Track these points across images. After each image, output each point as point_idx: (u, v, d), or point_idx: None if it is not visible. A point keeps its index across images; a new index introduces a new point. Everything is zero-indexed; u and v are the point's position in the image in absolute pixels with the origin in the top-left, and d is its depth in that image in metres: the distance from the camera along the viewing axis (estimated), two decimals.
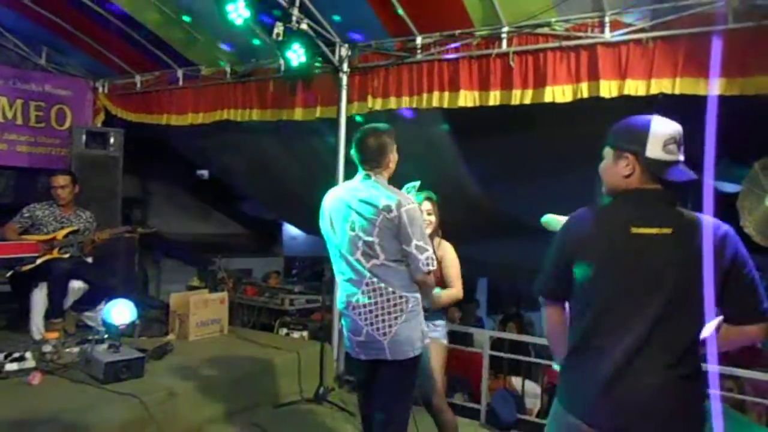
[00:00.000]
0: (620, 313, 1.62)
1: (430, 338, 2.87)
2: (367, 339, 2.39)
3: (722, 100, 3.08)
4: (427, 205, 2.96)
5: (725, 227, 1.63)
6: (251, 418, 3.54)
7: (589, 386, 1.64)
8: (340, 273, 2.49)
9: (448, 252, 2.98)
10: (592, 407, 1.63)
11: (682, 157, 1.67)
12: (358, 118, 4.57)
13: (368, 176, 2.46)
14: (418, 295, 2.41)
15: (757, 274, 1.60)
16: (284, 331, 5.20)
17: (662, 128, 1.66)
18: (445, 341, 2.98)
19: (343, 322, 2.54)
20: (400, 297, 2.35)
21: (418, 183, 2.93)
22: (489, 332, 4.42)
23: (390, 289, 2.35)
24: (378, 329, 2.36)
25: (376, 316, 2.36)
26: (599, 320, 1.66)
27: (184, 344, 4.25)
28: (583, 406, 1.65)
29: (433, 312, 2.90)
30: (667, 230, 1.60)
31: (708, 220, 1.63)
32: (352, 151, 2.51)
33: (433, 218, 2.97)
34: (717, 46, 3.07)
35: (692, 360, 1.61)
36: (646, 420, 1.57)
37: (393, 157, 2.50)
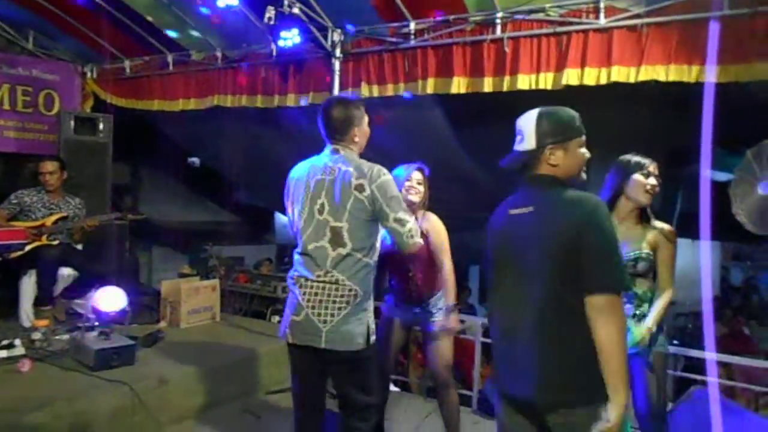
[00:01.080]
0: (505, 292, 1.80)
1: (437, 321, 2.92)
2: (305, 322, 2.26)
3: (716, 88, 3.08)
4: (418, 176, 2.93)
5: (584, 197, 1.70)
6: (243, 404, 3.54)
7: (497, 361, 1.84)
8: (299, 252, 2.33)
9: (435, 223, 2.93)
10: (501, 379, 1.80)
11: (515, 146, 1.84)
12: None
13: (336, 150, 2.31)
14: (370, 290, 2.31)
15: (606, 247, 1.63)
16: (276, 318, 5.18)
17: None
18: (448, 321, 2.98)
19: (287, 299, 2.40)
20: (350, 289, 2.23)
21: (415, 165, 2.92)
22: (481, 319, 4.43)
23: (343, 281, 2.23)
24: (319, 315, 2.23)
25: (320, 301, 2.23)
26: (494, 301, 1.85)
27: (176, 332, 4.23)
28: (498, 380, 1.82)
29: (430, 298, 2.94)
30: (529, 208, 1.76)
31: (574, 197, 1.72)
32: (320, 124, 2.35)
33: (422, 188, 2.93)
34: (714, 32, 3.05)
35: (566, 330, 1.65)
36: (533, 388, 1.67)
37: (362, 131, 2.36)
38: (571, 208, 1.68)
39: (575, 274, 1.62)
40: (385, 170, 2.27)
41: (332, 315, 2.22)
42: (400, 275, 2.96)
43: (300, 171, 2.38)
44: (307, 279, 2.27)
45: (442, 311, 2.93)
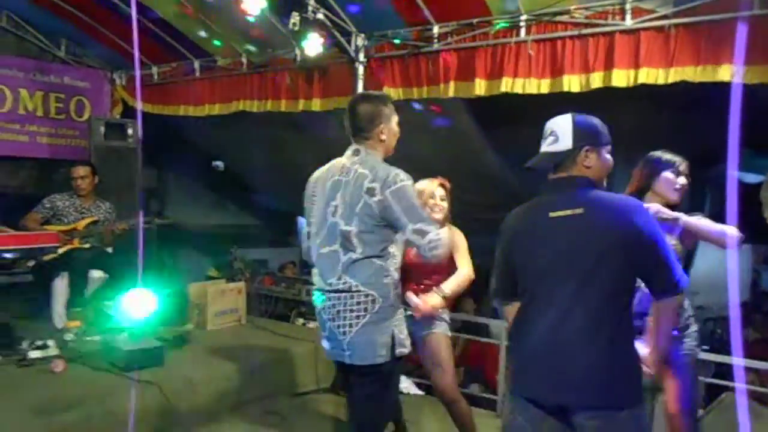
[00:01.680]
0: (548, 291, 1.75)
1: (433, 333, 2.81)
2: (329, 335, 2.20)
3: (744, 88, 3.02)
4: (441, 192, 2.87)
5: (633, 202, 1.75)
6: (268, 406, 3.57)
7: (528, 366, 1.78)
8: (315, 262, 2.28)
9: (460, 239, 2.88)
10: (525, 379, 1.77)
11: (545, 147, 1.84)
12: None
13: (357, 151, 2.21)
14: (391, 296, 2.17)
15: (667, 245, 1.70)
16: (301, 321, 5.23)
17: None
18: (449, 333, 2.90)
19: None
20: (366, 295, 2.11)
21: (437, 180, 2.86)
22: (505, 323, 4.40)
23: (357, 287, 2.12)
24: (339, 327, 2.15)
25: (338, 312, 2.14)
26: (531, 305, 1.79)
27: (203, 333, 4.29)
28: (527, 386, 1.77)
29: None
30: (579, 210, 1.72)
31: (620, 198, 1.76)
32: (345, 121, 2.28)
33: (445, 204, 2.87)
34: (742, 33, 3.00)
35: (616, 331, 1.68)
36: (579, 391, 1.66)
37: (389, 129, 2.24)
38: (626, 211, 1.69)
39: (630, 276, 1.68)
40: (404, 175, 2.14)
41: (350, 325, 2.13)
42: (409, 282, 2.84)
43: (320, 173, 2.33)
44: (323, 291, 2.22)
45: (440, 324, 2.84)
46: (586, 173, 1.78)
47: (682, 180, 2.44)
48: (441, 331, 2.85)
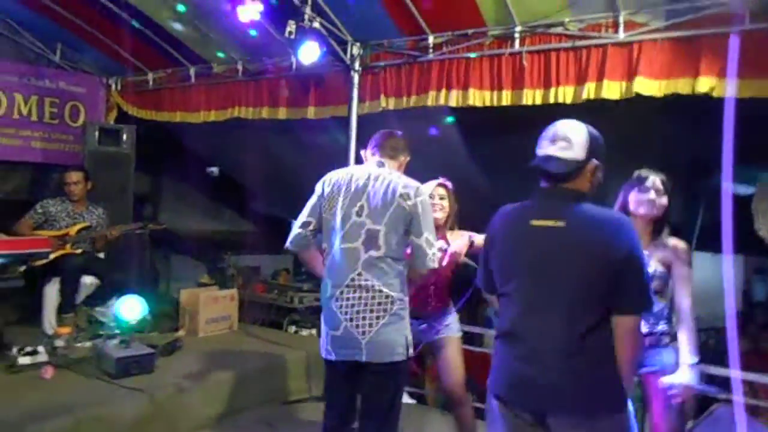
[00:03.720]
0: (525, 303, 1.75)
1: (446, 336, 2.89)
2: (344, 335, 2.26)
3: (736, 102, 3.05)
4: (440, 191, 2.93)
5: (618, 218, 1.74)
6: (260, 414, 3.56)
7: (504, 372, 1.79)
8: (331, 261, 2.35)
9: (463, 243, 2.92)
10: (503, 386, 1.78)
11: (553, 151, 1.76)
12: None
13: (382, 164, 2.42)
14: (406, 299, 2.32)
15: (643, 270, 1.70)
16: (293, 328, 5.21)
17: (547, 129, 1.82)
18: (460, 334, 2.97)
19: (322, 316, 2.41)
20: (387, 297, 2.24)
21: (436, 180, 2.93)
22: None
23: (377, 286, 2.24)
24: (358, 326, 2.23)
25: (358, 312, 2.23)
26: (510, 311, 1.80)
27: (194, 340, 4.28)
28: (502, 388, 1.79)
29: (434, 313, 2.90)
30: (560, 223, 1.71)
31: (607, 214, 1.74)
32: (374, 140, 2.51)
33: (445, 204, 2.93)
34: (734, 47, 3.03)
35: (592, 344, 1.67)
36: (554, 400, 1.67)
37: (405, 163, 2.54)
38: (609, 227, 1.68)
39: (604, 292, 1.66)
40: (426, 191, 2.42)
41: (370, 325, 2.22)
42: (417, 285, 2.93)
43: (339, 175, 2.43)
44: (341, 290, 2.27)
45: (450, 328, 2.91)
46: (586, 187, 1.77)
47: (650, 195, 2.41)
48: (453, 334, 2.92)
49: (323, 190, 2.43)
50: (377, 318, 2.22)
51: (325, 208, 2.39)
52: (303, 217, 2.45)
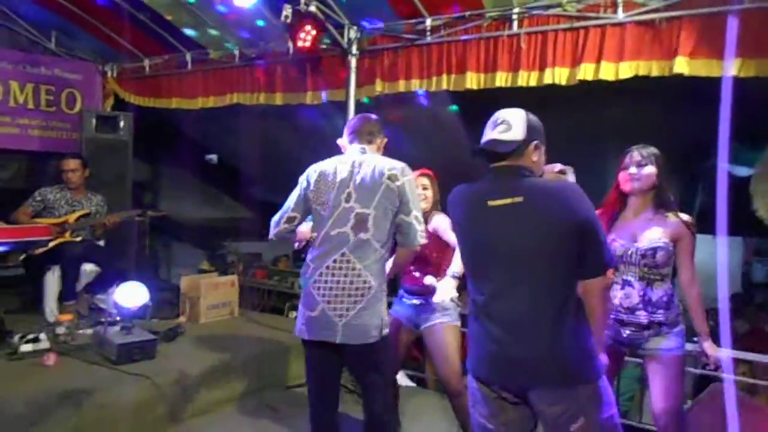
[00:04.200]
0: (494, 281, 1.82)
1: (439, 323, 2.88)
2: (321, 316, 2.29)
3: (735, 82, 3.03)
4: (424, 181, 2.95)
5: (570, 186, 1.79)
6: (262, 399, 3.59)
7: (478, 351, 1.86)
8: (318, 246, 2.37)
9: (444, 220, 2.91)
10: (489, 370, 1.83)
11: (495, 135, 1.86)
12: (366, 100, 4.54)
13: (364, 150, 2.46)
14: (384, 284, 2.36)
15: (602, 229, 1.79)
16: (294, 314, 5.23)
17: (491, 118, 1.91)
18: (457, 323, 2.93)
19: (301, 296, 2.43)
20: (365, 281, 2.28)
21: (418, 171, 2.91)
22: None
23: (357, 270, 2.28)
24: (335, 309, 2.27)
25: (336, 295, 2.28)
26: (478, 290, 1.86)
27: (195, 326, 4.30)
28: (482, 370, 1.85)
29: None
30: (518, 199, 1.77)
31: (560, 185, 1.81)
32: (347, 129, 2.55)
33: (429, 194, 2.96)
34: (732, 27, 3.01)
35: (563, 317, 1.73)
36: (533, 375, 1.74)
37: (383, 144, 2.57)
38: (564, 196, 1.74)
39: (571, 260, 1.73)
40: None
41: (347, 309, 2.27)
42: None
43: (325, 165, 2.45)
44: (321, 271, 2.31)
45: (446, 312, 2.88)
46: (530, 166, 1.84)
47: (631, 170, 2.45)
48: (448, 321, 2.89)
49: (308, 182, 2.45)
50: (354, 302, 2.27)
51: (314, 199, 2.41)
52: (288, 211, 2.46)
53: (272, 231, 2.52)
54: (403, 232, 2.35)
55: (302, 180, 2.48)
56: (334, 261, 2.30)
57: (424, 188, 2.95)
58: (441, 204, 3.00)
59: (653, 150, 2.47)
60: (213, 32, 5.08)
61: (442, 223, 2.89)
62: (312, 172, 2.46)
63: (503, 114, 1.89)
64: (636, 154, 2.46)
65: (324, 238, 2.36)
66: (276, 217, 2.50)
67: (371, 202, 2.30)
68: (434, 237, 2.87)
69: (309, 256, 2.41)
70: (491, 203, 1.81)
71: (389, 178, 2.31)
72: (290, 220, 2.47)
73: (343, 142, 2.58)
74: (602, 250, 1.76)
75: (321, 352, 2.37)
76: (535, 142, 1.85)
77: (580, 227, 1.71)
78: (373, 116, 2.60)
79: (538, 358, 1.72)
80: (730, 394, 1.70)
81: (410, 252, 2.44)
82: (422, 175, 2.97)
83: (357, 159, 2.41)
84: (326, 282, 2.30)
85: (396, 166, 2.36)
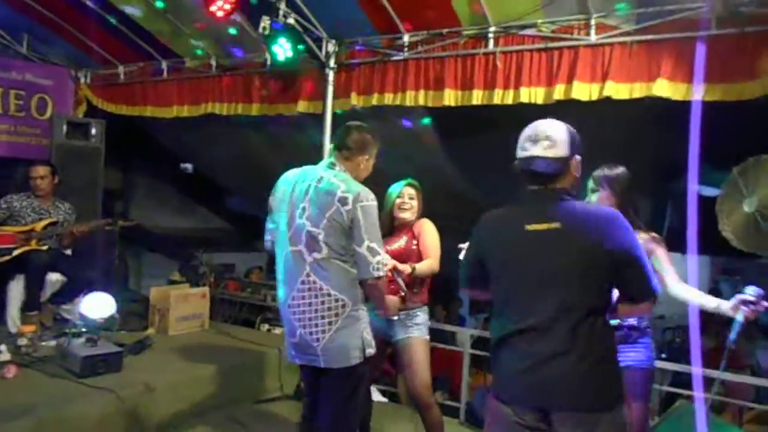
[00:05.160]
0: (527, 305, 1.76)
1: (410, 337, 2.86)
2: (301, 342, 2.25)
3: (703, 105, 3.12)
4: (410, 191, 2.95)
5: (610, 213, 1.77)
6: (230, 413, 3.52)
7: (508, 372, 1.79)
8: (282, 265, 2.32)
9: (427, 225, 2.92)
10: (514, 391, 1.77)
11: (538, 152, 1.76)
12: (338, 111, 4.54)
13: (333, 165, 2.33)
14: (360, 299, 2.26)
15: (644, 254, 1.74)
16: (266, 327, 5.18)
17: (525, 130, 1.82)
18: (427, 337, 2.93)
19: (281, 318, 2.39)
20: (336, 300, 2.19)
21: (405, 180, 2.92)
22: (470, 330, 4.45)
23: (325, 290, 2.19)
24: (311, 333, 2.20)
25: (309, 318, 2.20)
26: (510, 312, 1.80)
27: (164, 339, 4.21)
28: (507, 391, 1.80)
29: (411, 308, 2.87)
30: (555, 225, 1.72)
31: (595, 209, 1.82)
32: (336, 136, 2.43)
33: (414, 203, 2.94)
34: (701, 52, 3.10)
35: (593, 343, 1.72)
36: (560, 398, 1.70)
37: (367, 164, 2.41)
38: (603, 223, 1.72)
39: (608, 285, 1.72)
40: (372, 196, 2.25)
41: (323, 331, 2.19)
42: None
43: (292, 175, 2.39)
44: (292, 294, 2.25)
45: (418, 327, 2.87)
46: (570, 183, 1.80)
47: (588, 197, 2.49)
48: (418, 335, 2.88)
49: (277, 188, 2.40)
50: (329, 323, 2.19)
51: (278, 206, 2.36)
52: (269, 221, 2.44)
53: (265, 243, 2.47)
54: (357, 263, 2.22)
55: (274, 188, 2.44)
56: (302, 283, 2.23)
57: (411, 198, 2.94)
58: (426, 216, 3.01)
59: (609, 172, 2.47)
60: (189, 41, 5.05)
61: (426, 227, 2.90)
62: (281, 180, 2.42)
63: (544, 128, 1.79)
64: (590, 180, 2.48)
65: (286, 257, 2.29)
66: (266, 232, 2.45)
67: (320, 222, 2.20)
68: (418, 246, 2.88)
69: (278, 276, 2.36)
70: (528, 227, 1.76)
71: (340, 200, 2.19)
72: (272, 232, 2.43)
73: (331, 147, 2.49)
74: (647, 274, 1.73)
75: (313, 375, 2.34)
76: (578, 157, 1.79)
77: (619, 255, 1.69)
78: (365, 130, 2.42)
79: (568, 383, 1.69)
80: (701, 413, 1.72)
81: (366, 282, 2.26)
82: (410, 185, 2.96)
83: (321, 173, 2.31)
84: (299, 306, 2.24)
85: (351, 189, 2.21)
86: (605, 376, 1.73)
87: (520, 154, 1.81)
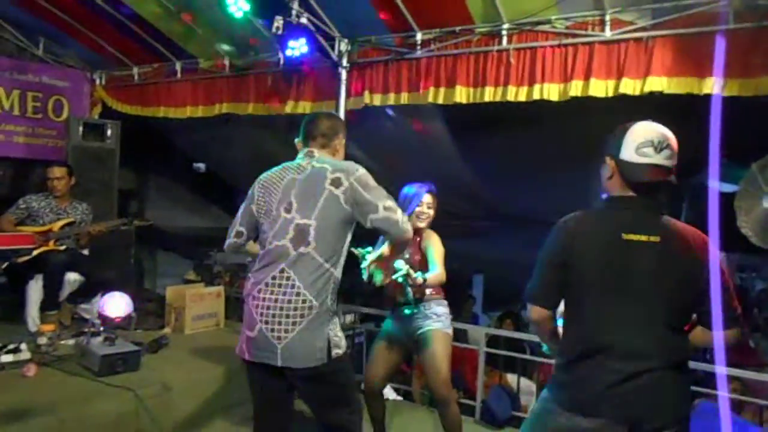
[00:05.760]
0: (616, 316, 1.69)
1: (430, 330, 2.86)
2: (259, 337, 2.09)
3: (722, 100, 3.08)
4: (429, 199, 2.94)
5: (706, 238, 1.73)
6: (246, 411, 3.53)
7: (594, 385, 1.69)
8: (259, 260, 2.20)
9: (434, 238, 2.93)
10: (597, 403, 1.68)
11: (661, 161, 1.68)
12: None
13: (311, 153, 2.24)
14: (330, 306, 2.12)
15: (731, 281, 1.70)
16: None
17: (641, 131, 1.70)
18: (449, 330, 2.92)
19: (243, 311, 2.26)
20: (303, 300, 2.05)
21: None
22: (485, 329, 4.43)
23: (296, 288, 2.05)
24: (273, 331, 2.05)
25: (274, 315, 2.06)
26: (597, 324, 1.71)
27: (180, 337, 4.25)
28: (588, 403, 1.69)
29: (433, 300, 2.88)
30: (655, 238, 1.66)
31: (691, 230, 1.73)
32: (300, 131, 2.34)
33: (431, 212, 2.95)
34: (719, 47, 3.06)
35: (680, 355, 1.71)
36: (649, 411, 1.65)
37: (342, 146, 2.36)
38: (697, 245, 1.69)
39: (693, 309, 1.71)
40: (360, 166, 2.18)
41: (286, 330, 2.05)
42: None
43: (269, 175, 2.29)
44: (260, 287, 2.12)
45: (438, 319, 2.87)
46: (667, 196, 1.77)
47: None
48: (438, 328, 2.87)
49: (254, 193, 2.29)
50: (294, 324, 2.05)
51: (257, 212, 2.25)
52: (236, 225, 2.33)
53: (225, 243, 2.37)
54: (383, 229, 2.11)
55: (250, 191, 2.33)
56: (273, 278, 2.10)
57: (429, 207, 2.93)
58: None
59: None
60: (203, 42, 5.08)
61: (433, 238, 2.90)
62: (259, 182, 2.31)
63: (668, 134, 1.70)
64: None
65: (264, 252, 2.18)
66: (229, 229, 2.36)
67: (312, 212, 2.08)
68: (420, 257, 2.87)
69: (251, 270, 2.26)
70: (626, 237, 1.68)
71: (332, 183, 2.08)
72: (238, 234, 2.32)
73: (298, 143, 2.39)
74: (734, 301, 1.70)
75: (264, 376, 2.17)
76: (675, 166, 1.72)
77: (712, 280, 1.66)
78: (330, 114, 2.44)
79: (656, 395, 1.67)
80: (725, 413, 1.72)
81: (402, 241, 2.19)
82: (429, 193, 2.94)
83: (302, 164, 2.22)
84: (264, 300, 2.09)
85: (341, 167, 2.13)
86: (686, 388, 1.75)
87: (637, 159, 1.69)
